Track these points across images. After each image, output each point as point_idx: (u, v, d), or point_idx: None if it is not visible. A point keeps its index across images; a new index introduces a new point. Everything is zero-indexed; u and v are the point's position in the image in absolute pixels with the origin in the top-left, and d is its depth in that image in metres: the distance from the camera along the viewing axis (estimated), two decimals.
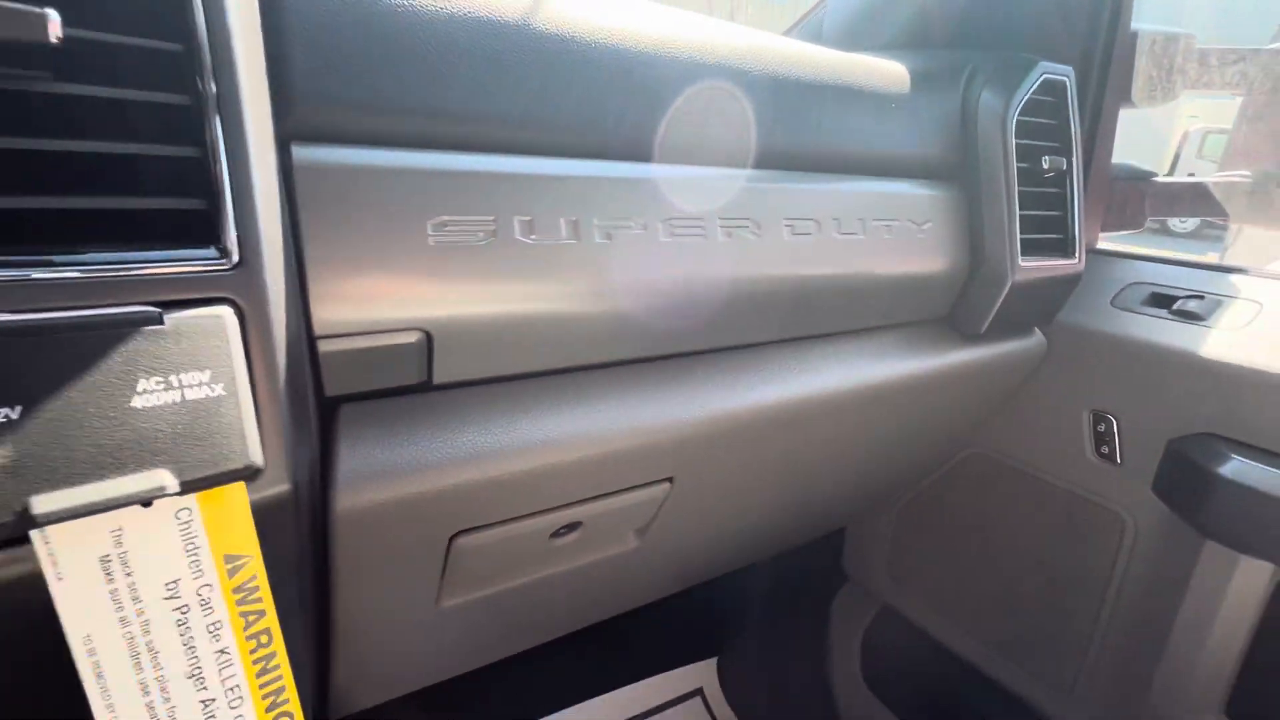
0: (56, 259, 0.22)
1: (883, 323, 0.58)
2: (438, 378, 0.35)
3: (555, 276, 0.36)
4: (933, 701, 0.83)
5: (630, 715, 0.98)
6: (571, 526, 0.44)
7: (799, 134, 0.48)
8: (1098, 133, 0.70)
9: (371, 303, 0.32)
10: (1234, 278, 0.63)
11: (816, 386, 0.51)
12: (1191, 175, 0.85)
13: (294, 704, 0.27)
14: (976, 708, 0.78)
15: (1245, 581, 0.55)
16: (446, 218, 0.33)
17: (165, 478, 0.22)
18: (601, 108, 0.38)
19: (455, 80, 0.33)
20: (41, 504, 0.20)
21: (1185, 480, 0.57)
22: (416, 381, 0.35)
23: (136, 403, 0.22)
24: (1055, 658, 0.69)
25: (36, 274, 0.22)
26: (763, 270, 0.45)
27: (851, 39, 0.74)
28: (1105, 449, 0.63)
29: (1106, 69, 0.69)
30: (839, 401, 0.53)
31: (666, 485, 0.46)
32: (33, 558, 0.21)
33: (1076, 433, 0.65)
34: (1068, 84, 0.60)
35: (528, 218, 0.35)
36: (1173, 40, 0.71)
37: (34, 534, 0.21)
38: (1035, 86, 0.57)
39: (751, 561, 0.80)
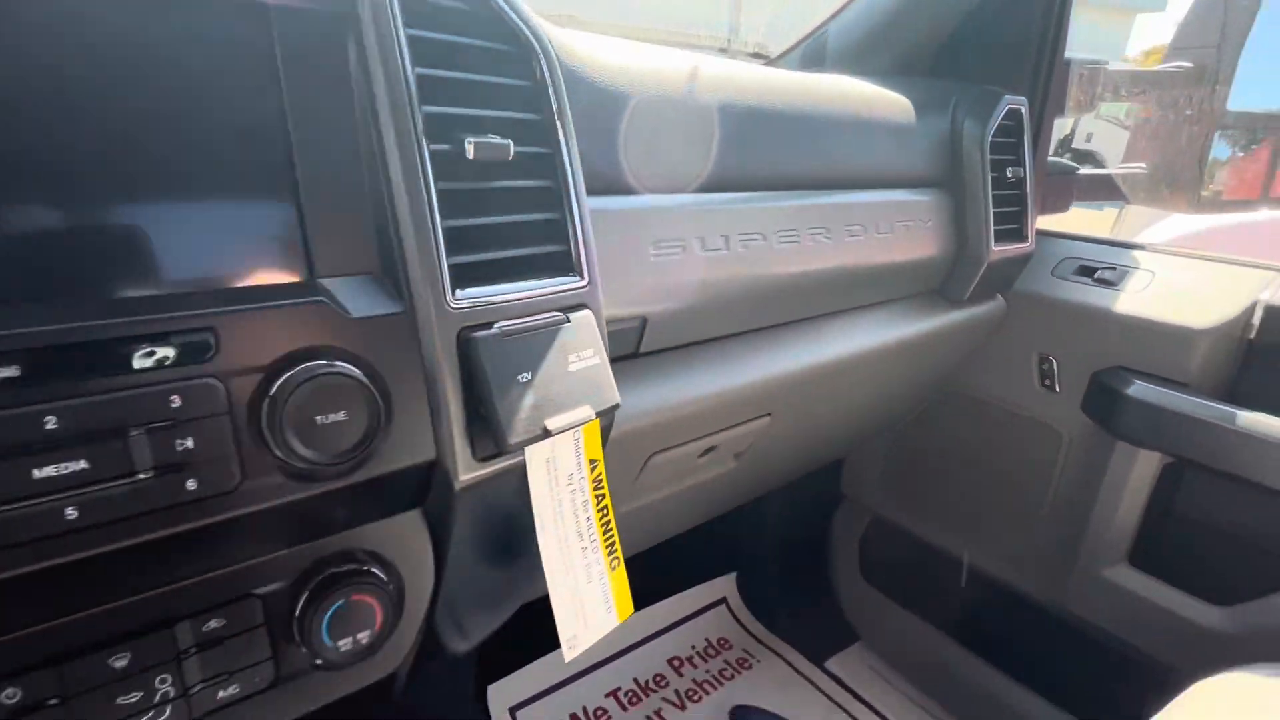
0: (508, 286, 0.38)
1: (896, 296, 0.77)
2: (643, 349, 0.52)
3: (715, 275, 0.53)
4: (918, 585, 1.07)
5: (667, 623, 1.18)
6: (711, 449, 0.62)
7: (842, 161, 0.66)
8: (1039, 140, 0.91)
9: (618, 300, 0.48)
10: (1135, 253, 0.86)
11: (857, 345, 0.70)
12: (1088, 140, 1.07)
13: (620, 555, 0.44)
14: (949, 585, 1.02)
15: (1142, 467, 0.78)
16: (659, 239, 0.50)
17: (588, 411, 0.38)
18: (724, 155, 0.55)
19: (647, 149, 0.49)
20: (552, 423, 0.36)
21: (1103, 400, 0.79)
22: (631, 352, 0.52)
23: (571, 367, 0.38)
24: (1009, 539, 0.93)
25: (497, 297, 0.37)
26: (822, 264, 0.63)
27: (855, 63, 0.91)
28: (1048, 381, 0.86)
29: (1048, 91, 0.89)
30: (870, 354, 0.72)
31: (767, 419, 0.64)
32: (521, 461, 0.37)
33: (1027, 371, 0.87)
34: (1023, 111, 0.80)
35: (701, 237, 0.52)
36: (1095, 67, 0.92)
37: (528, 449, 0.37)
38: (1003, 115, 0.77)
39: (791, 480, 1.00)
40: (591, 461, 0.42)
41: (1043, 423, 0.87)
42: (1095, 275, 0.84)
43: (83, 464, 0.26)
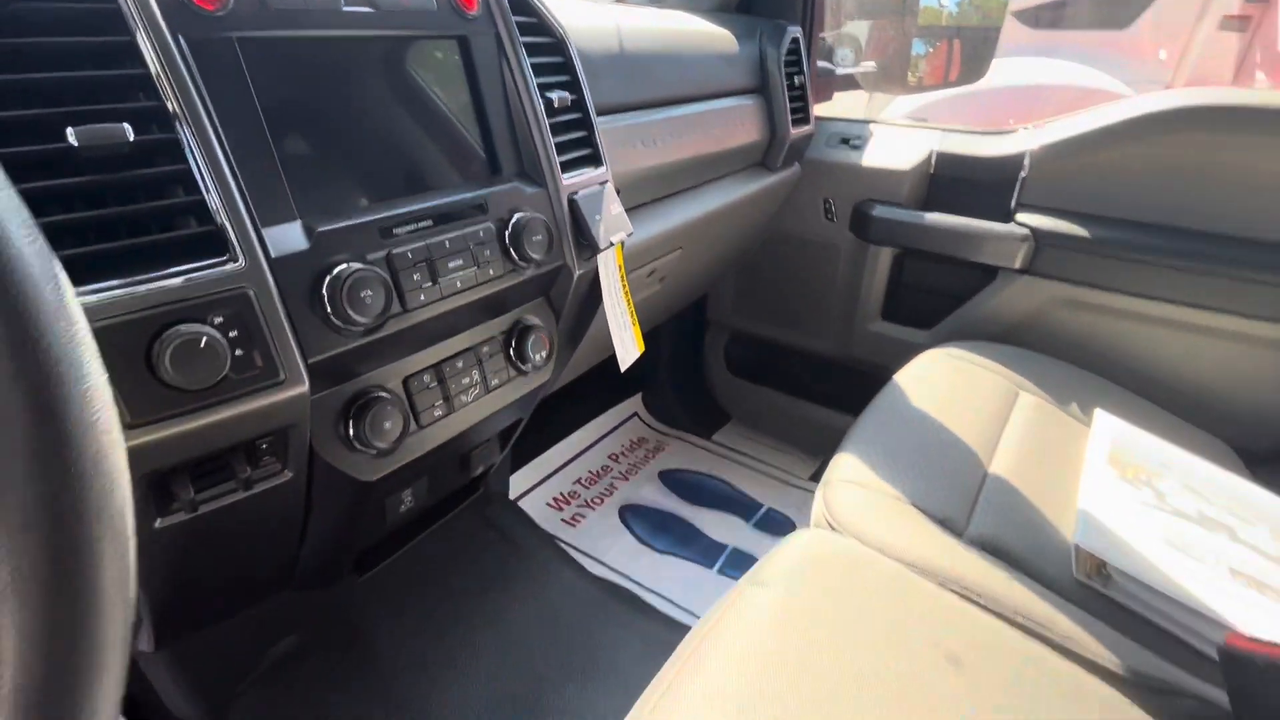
0: (575, 174, 0.72)
1: (738, 168, 1.19)
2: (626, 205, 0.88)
3: (646, 163, 0.90)
4: (766, 369, 1.59)
5: (600, 435, 1.61)
6: (653, 270, 1.01)
7: (699, 81, 1.04)
8: (810, 55, 1.35)
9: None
10: (870, 126, 1.35)
11: (721, 200, 1.11)
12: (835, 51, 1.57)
13: (636, 320, 0.83)
14: (785, 363, 1.54)
15: (884, 259, 1.31)
16: (621, 142, 0.85)
17: (623, 235, 0.75)
18: (640, 87, 0.91)
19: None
20: (613, 239, 0.73)
21: (860, 222, 1.30)
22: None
23: (612, 211, 0.74)
24: (816, 320, 1.44)
25: (576, 179, 0.72)
26: (695, 150, 1.02)
27: (689, 1, 1.27)
28: (829, 215, 1.34)
29: (812, 20, 1.33)
30: (728, 207, 1.14)
31: (680, 251, 1.05)
32: (595, 263, 0.74)
33: (817, 210, 1.35)
34: (800, 37, 1.22)
35: (640, 140, 0.88)
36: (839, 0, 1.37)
37: (600, 254, 0.73)
38: (789, 41, 1.19)
39: (681, 308, 1.43)
40: (621, 265, 0.79)
41: (830, 243, 1.37)
42: (849, 143, 1.32)
43: (461, 261, 0.59)
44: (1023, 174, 1.14)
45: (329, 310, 0.48)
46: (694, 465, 1.53)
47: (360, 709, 0.79)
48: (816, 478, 1.52)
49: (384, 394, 0.56)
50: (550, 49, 0.71)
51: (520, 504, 1.34)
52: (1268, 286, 0.98)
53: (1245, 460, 0.99)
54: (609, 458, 1.54)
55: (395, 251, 0.53)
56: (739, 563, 1.25)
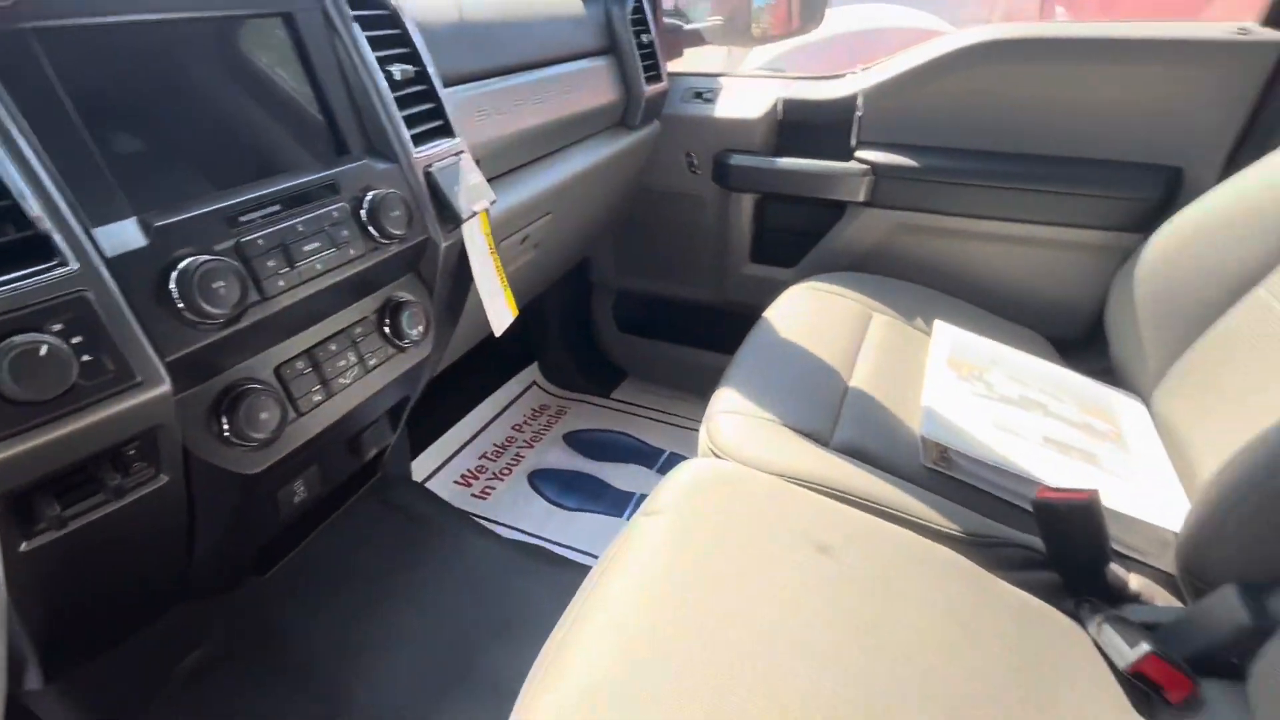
0: (430, 145, 0.73)
1: (600, 129, 1.21)
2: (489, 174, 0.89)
3: (504, 130, 0.91)
4: (653, 323, 1.64)
5: (500, 408, 1.62)
6: (526, 237, 1.02)
7: (549, 46, 1.05)
8: (656, 12, 1.38)
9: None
10: (720, 79, 1.41)
11: (586, 161, 1.13)
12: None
13: (507, 285, 0.84)
14: (668, 314, 1.61)
15: (746, 205, 1.38)
16: (476, 110, 0.85)
17: (485, 203, 0.76)
18: (488, 55, 0.91)
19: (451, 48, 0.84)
20: (475, 208, 0.74)
21: (721, 171, 1.35)
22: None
23: (471, 181, 0.75)
24: (690, 269, 1.51)
25: (432, 151, 0.72)
26: (553, 114, 1.04)
27: None
28: (693, 168, 1.40)
29: None
30: (593, 168, 1.16)
31: (550, 216, 1.07)
32: (460, 233, 0.75)
33: (680, 164, 1.41)
34: None
35: (494, 107, 0.89)
36: None
37: (464, 225, 0.75)
38: (632, 1, 1.21)
39: (563, 272, 1.45)
40: (488, 233, 0.81)
41: (696, 194, 1.43)
42: (703, 96, 1.38)
43: (318, 243, 0.58)
44: (858, 114, 1.24)
45: (181, 305, 0.48)
46: (596, 424, 1.58)
47: (283, 708, 0.79)
48: None
49: (257, 385, 0.56)
50: (384, 21, 0.70)
51: (428, 486, 1.34)
52: (1067, 196, 1.13)
53: (1059, 349, 1.15)
54: (513, 428, 1.56)
55: (245, 240, 0.52)
56: None
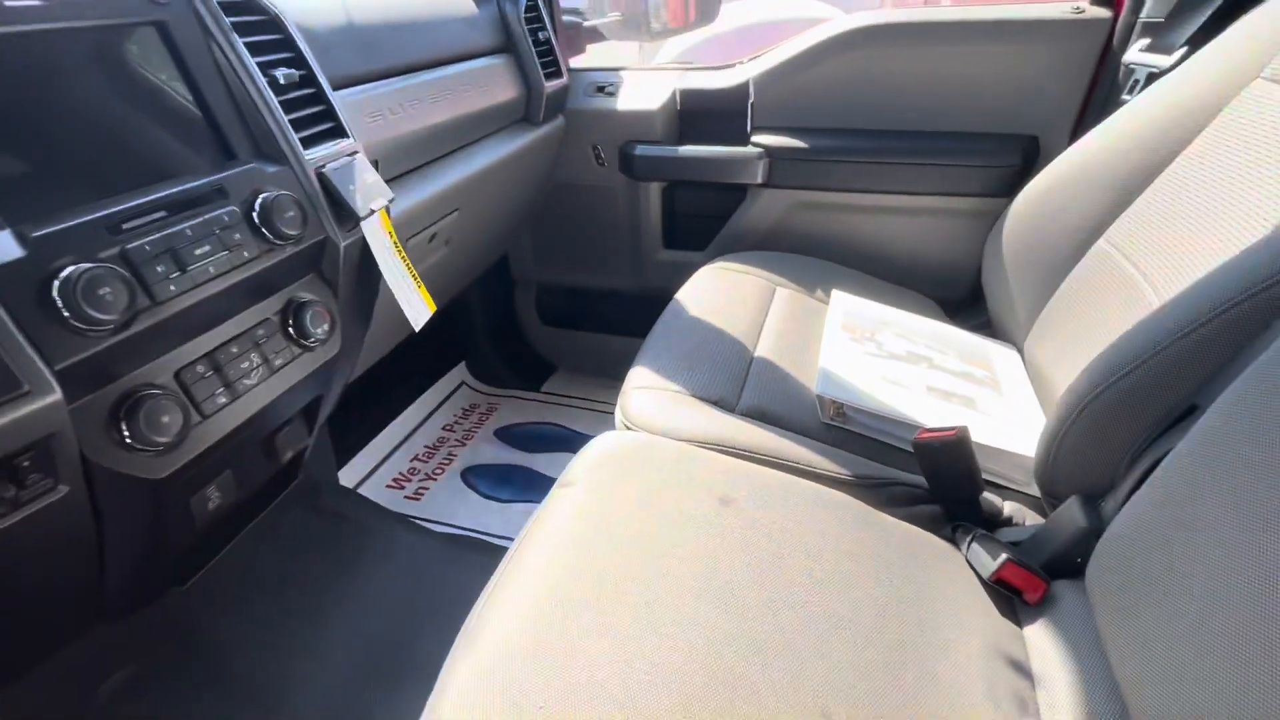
0: (323, 147, 0.74)
1: (503, 125, 1.24)
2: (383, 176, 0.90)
3: (399, 130, 0.93)
4: (575, 313, 1.67)
5: (430, 409, 1.62)
6: (434, 235, 1.04)
7: (442, 46, 1.07)
8: (553, 10, 1.41)
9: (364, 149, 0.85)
10: (620, 73, 1.45)
11: (490, 158, 1.16)
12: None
13: (420, 282, 0.86)
14: (589, 305, 1.64)
15: (654, 194, 1.43)
16: (368, 112, 0.86)
17: (382, 200, 0.78)
18: (374, 57, 0.92)
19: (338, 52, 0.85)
20: (372, 205, 0.75)
21: (627, 162, 1.40)
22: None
23: (367, 180, 0.77)
24: (607, 259, 1.55)
25: (323, 152, 0.73)
26: (451, 113, 1.06)
27: None
28: (600, 161, 1.44)
29: None
30: (498, 164, 1.18)
31: (457, 213, 1.09)
32: (360, 232, 0.77)
33: (587, 157, 1.44)
34: None
35: (386, 109, 0.90)
36: None
37: (363, 223, 0.76)
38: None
39: (480, 271, 1.46)
40: (391, 231, 0.82)
41: (605, 186, 1.47)
42: (605, 90, 1.42)
43: (209, 246, 0.59)
44: (751, 100, 1.30)
45: (66, 314, 0.48)
46: (526, 417, 1.60)
47: (216, 718, 0.79)
48: None
49: (156, 390, 0.56)
50: (265, 27, 0.71)
51: (359, 491, 1.33)
52: (941, 167, 1.23)
53: (946, 309, 1.25)
54: (443, 429, 1.57)
55: (130, 246, 0.53)
56: None
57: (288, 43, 0.73)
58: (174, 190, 0.58)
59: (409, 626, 0.89)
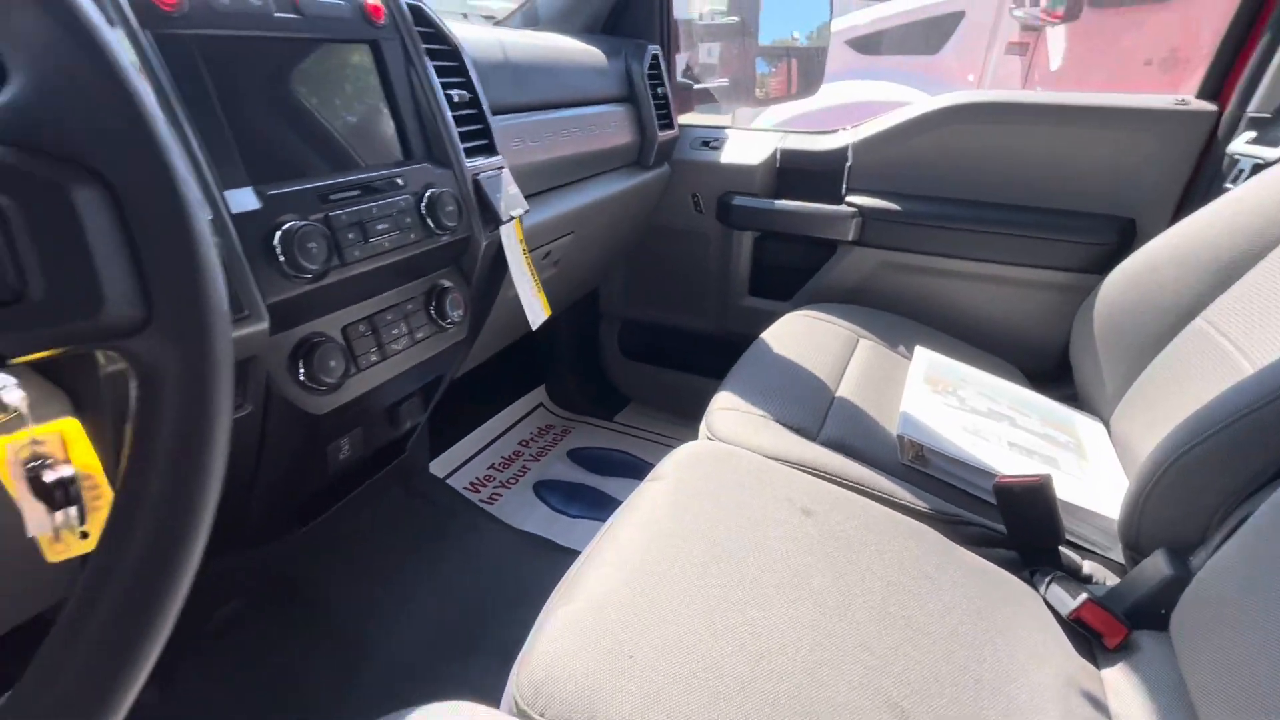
0: (479, 160, 0.85)
1: (617, 165, 1.35)
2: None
3: (533, 158, 1.04)
4: (654, 348, 1.75)
5: (508, 425, 1.70)
6: (549, 253, 1.14)
7: (577, 90, 1.20)
8: (670, 69, 1.55)
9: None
10: (725, 130, 1.56)
11: (602, 193, 1.27)
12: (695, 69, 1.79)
13: (541, 288, 0.95)
14: (673, 343, 1.72)
15: (746, 242, 1.51)
16: (512, 138, 0.98)
17: (520, 210, 0.88)
18: (525, 91, 1.05)
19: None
20: (512, 213, 0.85)
21: (724, 211, 1.49)
22: None
23: (509, 191, 0.87)
24: (695, 300, 1.63)
25: (479, 162, 0.84)
26: (576, 148, 1.17)
27: (560, 24, 1.43)
28: (698, 208, 1.54)
29: (668, 39, 1.53)
30: (609, 199, 1.29)
31: (571, 235, 1.19)
32: (499, 234, 0.86)
33: (687, 204, 1.54)
34: (659, 54, 1.41)
35: (523, 137, 1.02)
36: (689, 22, 1.58)
37: (502, 227, 0.86)
38: (650, 57, 1.37)
39: (577, 298, 1.56)
40: (522, 239, 0.92)
41: (700, 232, 1.56)
42: (709, 145, 1.53)
43: (386, 225, 0.69)
44: (848, 164, 1.38)
45: (282, 259, 0.58)
46: (599, 443, 1.66)
47: (307, 658, 0.85)
48: None
49: (327, 338, 0.66)
50: (448, 55, 0.84)
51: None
52: (1035, 240, 1.26)
53: (1029, 378, 1.26)
54: (519, 444, 1.64)
55: (332, 214, 0.63)
56: None
57: (461, 69, 0.86)
58: (366, 175, 0.69)
59: (485, 608, 0.94)
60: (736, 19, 1.65)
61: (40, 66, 0.24)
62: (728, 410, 0.95)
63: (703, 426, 0.95)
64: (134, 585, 0.26)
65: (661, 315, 1.69)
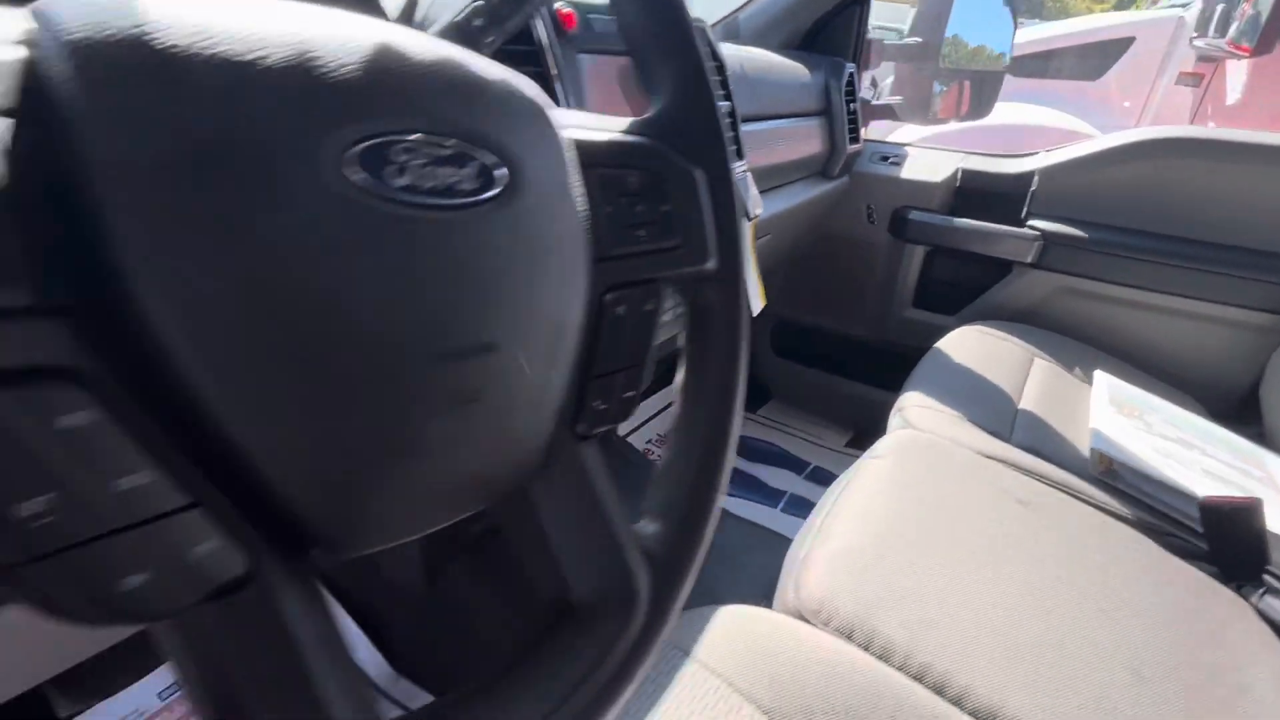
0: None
1: (806, 175, 1.45)
2: None
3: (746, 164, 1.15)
4: (807, 348, 1.83)
5: (656, 409, 1.83)
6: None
7: (780, 103, 1.30)
8: (857, 89, 1.63)
9: None
10: (905, 147, 1.62)
11: (795, 199, 1.36)
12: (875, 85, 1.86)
13: (762, 287, 1.06)
14: (825, 345, 1.79)
15: (917, 255, 1.57)
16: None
17: (759, 211, 0.99)
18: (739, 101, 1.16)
19: None
20: (753, 213, 0.97)
21: (898, 224, 1.56)
22: None
23: (752, 193, 0.99)
24: (855, 307, 1.70)
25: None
26: (779, 157, 1.27)
27: (759, 40, 1.54)
28: (871, 219, 1.61)
29: (859, 58, 1.61)
30: (800, 206, 1.39)
31: (770, 235, 1.30)
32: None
33: (860, 214, 1.62)
34: (854, 72, 1.49)
35: (733, 148, 1.13)
36: (878, 40, 1.65)
37: (746, 222, 0.98)
38: (847, 75, 1.46)
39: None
40: (753, 235, 1.03)
41: (870, 242, 1.63)
42: (889, 160, 1.60)
43: None
44: (1033, 188, 1.42)
45: None
46: (748, 433, 1.76)
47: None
48: (854, 445, 1.76)
49: None
50: (718, 70, 0.96)
51: None
52: (1224, 277, 1.26)
53: (1211, 413, 1.26)
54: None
55: None
56: (798, 505, 1.48)
57: (724, 82, 0.98)
58: None
59: None
60: (920, 40, 1.71)
61: (679, 99, 0.36)
62: (921, 408, 1.03)
63: (895, 418, 1.03)
64: (708, 439, 0.38)
65: (818, 318, 1.77)
